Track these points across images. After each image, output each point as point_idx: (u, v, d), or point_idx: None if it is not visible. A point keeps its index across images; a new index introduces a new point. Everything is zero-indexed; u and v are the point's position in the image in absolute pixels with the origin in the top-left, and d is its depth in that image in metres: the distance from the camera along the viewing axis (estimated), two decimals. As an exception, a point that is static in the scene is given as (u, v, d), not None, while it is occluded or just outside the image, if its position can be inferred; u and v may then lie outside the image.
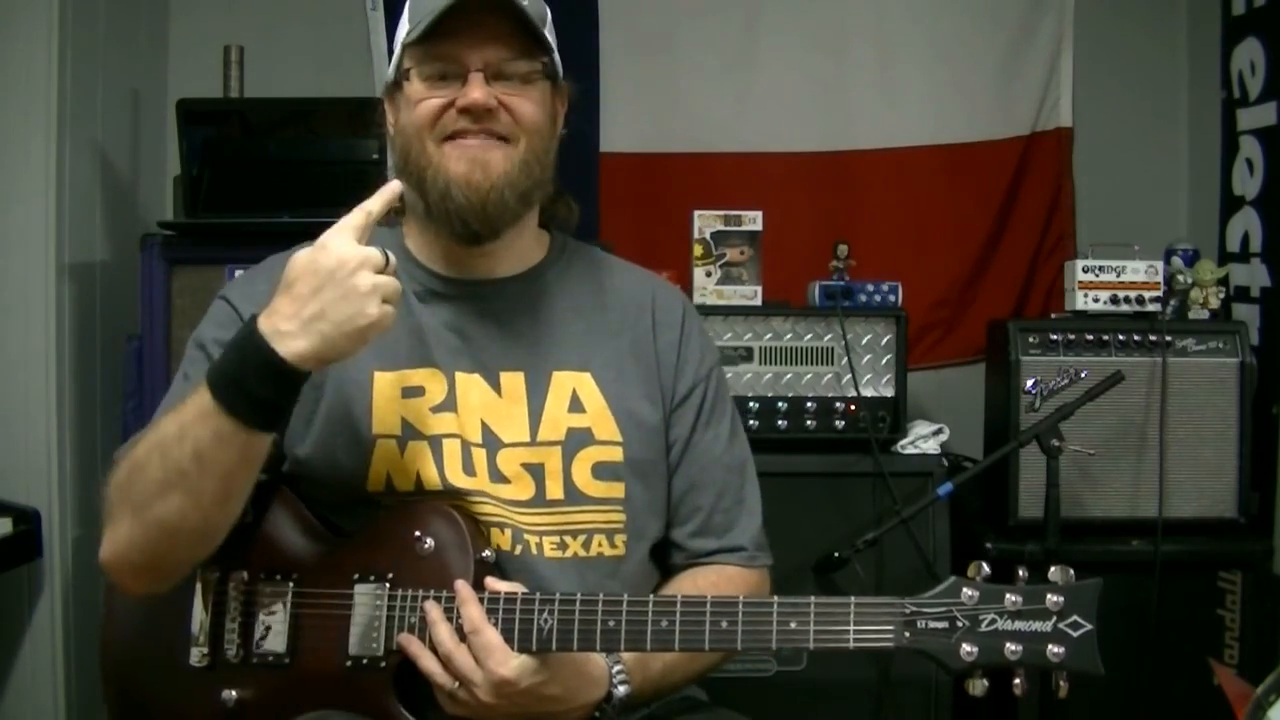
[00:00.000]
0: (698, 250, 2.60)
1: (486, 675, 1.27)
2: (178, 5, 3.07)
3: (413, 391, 1.43)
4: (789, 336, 2.57)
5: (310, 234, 1.32)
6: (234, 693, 1.36)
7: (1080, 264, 2.65)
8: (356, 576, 1.35)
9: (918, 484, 2.50)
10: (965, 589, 1.25)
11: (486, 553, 1.37)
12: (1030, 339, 2.56)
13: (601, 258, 1.62)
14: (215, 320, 1.47)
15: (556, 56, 1.48)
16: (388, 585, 1.34)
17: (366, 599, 1.34)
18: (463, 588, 1.31)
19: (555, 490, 1.43)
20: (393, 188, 1.33)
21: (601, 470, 1.45)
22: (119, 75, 2.76)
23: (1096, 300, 2.63)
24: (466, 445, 1.42)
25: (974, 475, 2.42)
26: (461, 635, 1.29)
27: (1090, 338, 2.56)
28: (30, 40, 2.41)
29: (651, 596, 1.32)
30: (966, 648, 1.23)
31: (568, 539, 1.43)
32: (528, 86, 1.43)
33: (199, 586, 1.39)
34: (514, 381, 1.46)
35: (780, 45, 3.14)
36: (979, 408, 2.79)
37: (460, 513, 1.38)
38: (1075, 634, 1.23)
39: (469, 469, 1.42)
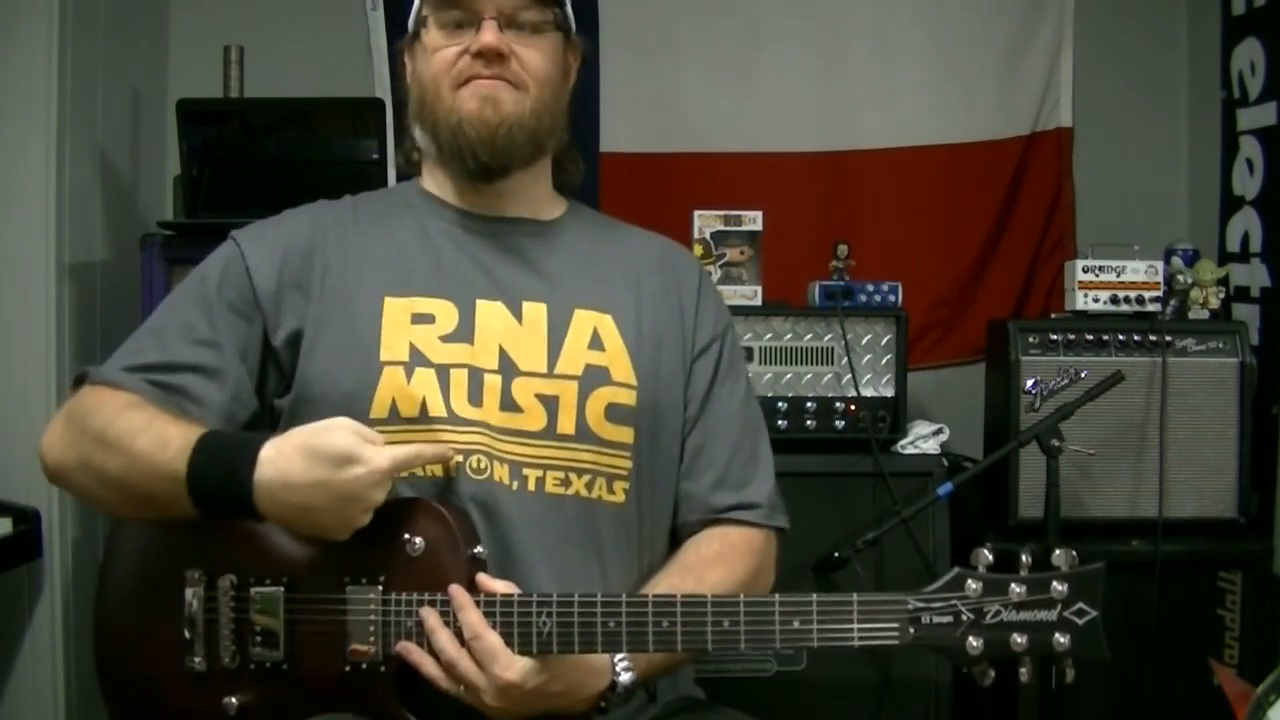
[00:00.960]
0: (698, 250, 2.60)
1: (491, 680, 1.26)
2: (178, 5, 3.07)
3: (422, 318, 1.45)
4: (789, 336, 2.57)
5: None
6: (234, 699, 1.35)
7: (1080, 264, 2.65)
8: (348, 579, 1.33)
9: (918, 484, 2.50)
10: (969, 581, 1.25)
11: (478, 549, 1.36)
12: (1030, 339, 2.56)
13: (615, 221, 1.67)
14: (222, 256, 1.52)
15: (569, 9, 1.53)
16: (380, 589, 1.32)
17: (360, 602, 1.33)
18: (458, 593, 1.30)
19: (567, 425, 1.43)
20: (445, 453, 1.37)
21: (614, 412, 1.45)
22: (119, 75, 2.76)
23: (1096, 300, 2.63)
24: (477, 374, 1.42)
25: (974, 475, 2.42)
26: (461, 640, 1.28)
27: (1090, 338, 2.56)
28: (30, 40, 2.41)
29: (651, 596, 1.30)
30: (973, 641, 1.23)
31: (572, 475, 1.43)
32: (539, 36, 1.48)
33: (189, 593, 1.38)
34: (536, 311, 1.48)
35: (780, 45, 3.14)
36: (979, 408, 2.79)
37: (446, 507, 1.36)
38: (1081, 621, 1.23)
39: (475, 399, 1.42)
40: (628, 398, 1.46)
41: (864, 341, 2.58)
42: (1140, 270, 2.63)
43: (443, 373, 1.42)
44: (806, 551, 2.40)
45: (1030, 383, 2.54)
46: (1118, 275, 2.63)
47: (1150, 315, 2.61)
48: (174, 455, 1.32)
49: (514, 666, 1.27)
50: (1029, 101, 3.17)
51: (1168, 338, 2.55)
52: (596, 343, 1.47)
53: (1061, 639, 1.23)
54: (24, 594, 2.41)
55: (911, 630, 1.25)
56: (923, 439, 2.61)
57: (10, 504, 2.32)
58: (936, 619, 1.24)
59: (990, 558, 1.25)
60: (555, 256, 1.53)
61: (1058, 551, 1.25)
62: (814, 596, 1.26)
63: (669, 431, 1.51)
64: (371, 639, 1.32)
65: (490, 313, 1.46)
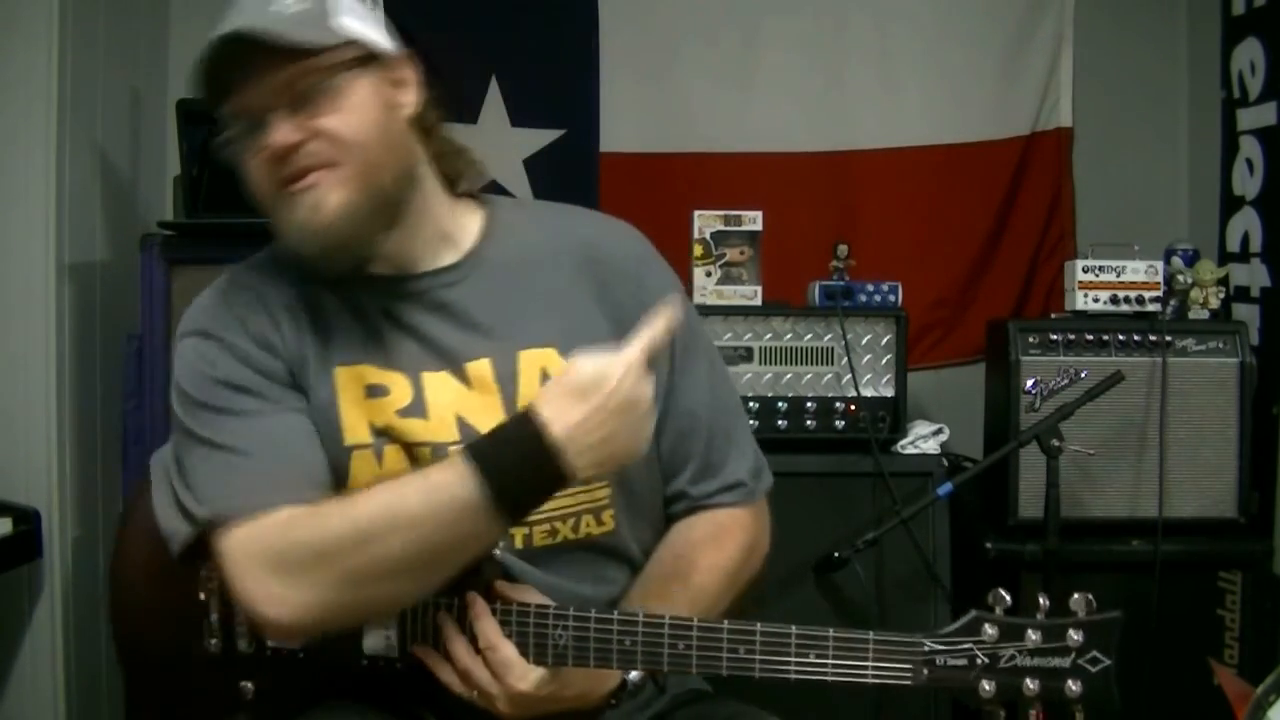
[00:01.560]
0: (698, 250, 2.60)
1: (504, 689, 1.26)
2: (178, 5, 3.07)
3: (376, 390, 1.38)
4: (789, 336, 2.57)
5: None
6: (251, 684, 1.36)
7: (1080, 264, 2.65)
8: None
9: (918, 484, 2.50)
10: (985, 625, 1.24)
11: (497, 552, 1.33)
12: (1030, 339, 2.56)
13: (537, 210, 1.56)
14: (209, 360, 1.38)
15: (363, 36, 1.35)
16: None
17: None
18: (475, 601, 1.28)
19: None
20: (669, 315, 1.28)
21: None
22: (119, 75, 2.76)
23: (1096, 300, 2.63)
24: (441, 448, 1.37)
25: (974, 475, 2.42)
26: (477, 647, 1.27)
27: (1090, 338, 2.56)
28: (30, 40, 2.41)
29: (668, 618, 1.28)
30: (985, 685, 1.23)
31: (557, 524, 1.40)
32: (333, 97, 1.31)
33: (203, 576, 1.38)
34: (481, 369, 1.40)
35: (780, 46, 3.14)
36: (979, 408, 2.79)
37: None
38: (1093, 669, 1.25)
39: None
40: None
41: (864, 341, 2.58)
42: (1140, 270, 2.63)
43: (409, 450, 1.37)
44: (806, 551, 2.41)
45: (1030, 383, 2.54)
46: (1118, 275, 2.63)
47: (1150, 315, 2.61)
48: (454, 484, 1.21)
49: (528, 677, 1.26)
50: (1029, 101, 3.17)
51: (1168, 338, 2.55)
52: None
53: (1074, 686, 1.24)
54: (24, 594, 2.41)
55: (925, 672, 1.25)
56: (923, 439, 2.61)
57: (10, 504, 2.32)
58: (951, 661, 1.23)
59: (1008, 600, 1.24)
60: (486, 300, 1.42)
61: (1075, 596, 1.25)
62: (830, 631, 1.27)
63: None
64: (389, 637, 1.32)
65: (438, 384, 1.39)
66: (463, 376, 1.40)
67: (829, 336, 2.57)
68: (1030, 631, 1.23)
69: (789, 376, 2.57)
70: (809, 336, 2.58)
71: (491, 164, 3.00)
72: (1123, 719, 2.60)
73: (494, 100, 3.08)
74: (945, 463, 2.57)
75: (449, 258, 1.43)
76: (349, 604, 1.25)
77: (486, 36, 3.05)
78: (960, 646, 1.24)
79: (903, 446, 2.60)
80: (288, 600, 1.24)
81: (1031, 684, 1.23)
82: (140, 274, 2.47)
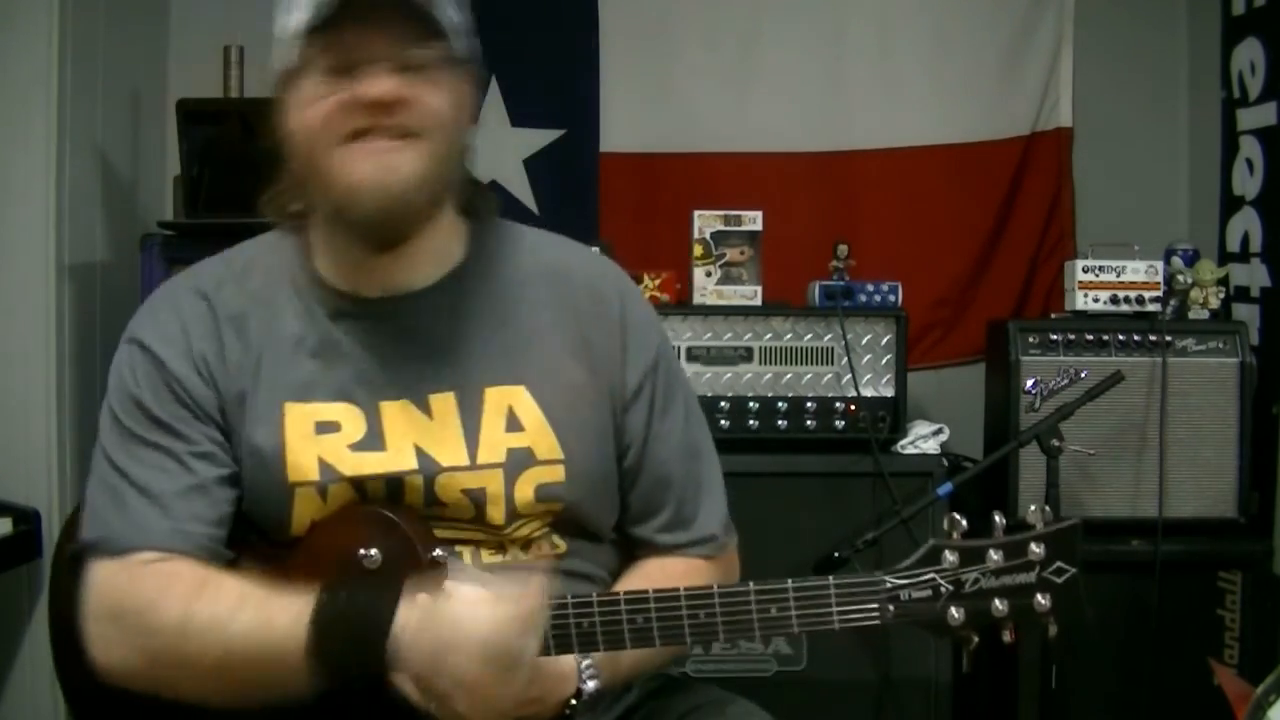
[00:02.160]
0: (698, 250, 2.60)
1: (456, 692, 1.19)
2: (178, 5, 3.07)
3: (327, 427, 1.33)
4: (789, 336, 2.57)
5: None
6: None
7: (1080, 264, 2.65)
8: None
9: (918, 484, 2.50)
10: (945, 552, 1.24)
11: (437, 551, 1.29)
12: (1030, 339, 2.56)
13: (524, 241, 1.48)
14: (138, 378, 1.36)
15: (465, 40, 1.33)
16: None
17: None
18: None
19: (496, 515, 1.35)
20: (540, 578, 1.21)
21: (544, 491, 1.36)
22: (119, 75, 2.76)
23: (1096, 300, 2.63)
24: (395, 479, 1.32)
25: (974, 475, 2.42)
26: None
27: (1090, 338, 2.56)
28: (30, 40, 2.41)
29: (623, 593, 1.26)
30: (953, 612, 1.22)
31: (508, 544, 1.37)
32: (434, 76, 1.28)
33: None
34: (444, 403, 1.35)
35: (780, 45, 3.14)
36: (979, 408, 2.79)
37: (396, 512, 1.29)
38: (1060, 580, 1.23)
39: (395, 498, 1.34)
40: (556, 474, 1.36)
41: (864, 341, 2.58)
42: (1140, 270, 2.63)
43: (358, 485, 1.32)
44: (806, 551, 2.40)
45: (1030, 383, 2.54)
46: (1118, 275, 2.63)
47: (1150, 315, 2.61)
48: (284, 632, 1.20)
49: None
50: (1029, 101, 3.17)
51: (1168, 338, 2.55)
52: (514, 423, 1.35)
53: (1042, 600, 1.22)
54: (24, 594, 2.41)
55: (891, 608, 1.24)
56: (923, 439, 2.61)
57: (10, 504, 2.32)
58: (915, 594, 1.23)
59: (965, 524, 1.25)
60: (457, 329, 1.38)
61: (1031, 508, 1.26)
62: (789, 582, 1.24)
63: (607, 482, 1.43)
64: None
65: (396, 414, 1.34)
66: (424, 407, 1.35)
67: (829, 336, 2.57)
68: (991, 552, 1.24)
69: (789, 376, 2.57)
70: (809, 336, 2.58)
71: (491, 164, 3.01)
72: (1122, 718, 2.62)
73: (494, 100, 3.07)
74: (945, 463, 2.56)
75: (427, 279, 1.39)
76: (154, 680, 1.25)
77: (486, 36, 3.01)
78: (922, 578, 1.23)
79: (903, 446, 2.60)
80: (107, 649, 1.27)
81: (1000, 604, 1.23)
82: (140, 274, 2.47)
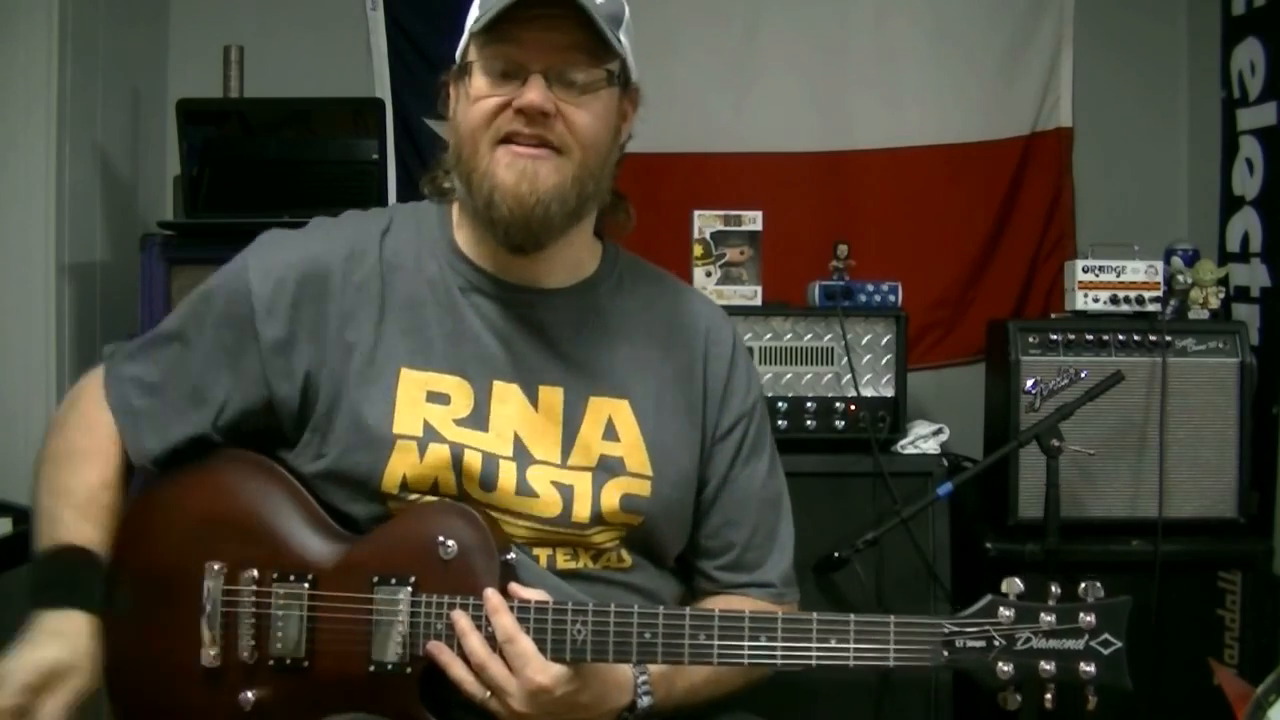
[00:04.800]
0: (698, 250, 2.60)
1: (522, 684, 1.26)
2: (178, 5, 3.08)
3: (437, 398, 1.39)
4: (789, 336, 2.57)
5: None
6: (250, 695, 1.34)
7: (1080, 264, 2.65)
8: (376, 579, 1.32)
9: (918, 484, 2.50)
10: (1001, 608, 1.27)
11: (510, 555, 1.35)
12: (1030, 339, 2.56)
13: (656, 276, 1.58)
14: (227, 290, 1.45)
15: (630, 60, 1.42)
16: (410, 590, 1.31)
17: (388, 603, 1.32)
18: (493, 596, 1.29)
19: (582, 513, 1.40)
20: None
21: (629, 502, 1.42)
22: (119, 75, 2.76)
23: (1096, 300, 2.63)
24: (492, 459, 1.39)
25: (974, 475, 2.42)
26: (493, 644, 1.28)
27: (1090, 338, 2.56)
28: (30, 40, 2.42)
29: (689, 610, 1.30)
30: (1003, 666, 1.26)
31: (581, 551, 1.42)
32: (589, 95, 1.37)
33: (208, 586, 1.36)
34: (552, 397, 1.42)
35: (780, 45, 3.14)
36: (979, 408, 2.79)
37: (480, 512, 1.36)
38: (1106, 652, 1.27)
39: (488, 484, 1.39)
40: (643, 488, 1.43)
41: (864, 341, 2.58)
42: (1140, 270, 2.63)
43: (457, 451, 1.38)
44: (806, 552, 2.39)
45: (1030, 383, 2.54)
46: (1118, 275, 2.63)
47: (1150, 315, 2.61)
48: (39, 534, 1.44)
49: (548, 671, 1.26)
50: (1029, 101, 3.17)
51: (1168, 338, 2.55)
52: (611, 433, 1.43)
53: (1087, 668, 1.26)
54: (24, 594, 2.41)
55: (945, 653, 1.27)
56: (923, 439, 2.61)
57: (10, 504, 2.32)
58: (970, 643, 1.26)
59: (1021, 587, 1.28)
60: (579, 334, 1.45)
61: (1083, 584, 1.28)
62: (851, 617, 1.27)
63: (684, 509, 1.49)
64: (399, 640, 1.31)
65: (506, 395, 1.41)
66: (533, 396, 1.42)
67: (829, 336, 2.57)
68: (1044, 614, 1.27)
69: (789, 376, 2.57)
70: (809, 336, 2.57)
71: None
72: (1123, 719, 2.61)
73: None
74: (945, 463, 2.57)
75: (559, 282, 1.46)
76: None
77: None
78: (978, 628, 1.26)
79: (903, 446, 2.60)
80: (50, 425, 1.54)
81: (1047, 665, 1.26)
82: (140, 274, 2.47)
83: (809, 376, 2.58)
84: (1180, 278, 2.71)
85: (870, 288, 2.60)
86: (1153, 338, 2.55)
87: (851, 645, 1.27)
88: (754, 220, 2.62)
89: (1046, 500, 2.25)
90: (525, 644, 1.27)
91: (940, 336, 3.15)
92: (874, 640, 1.27)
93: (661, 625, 1.28)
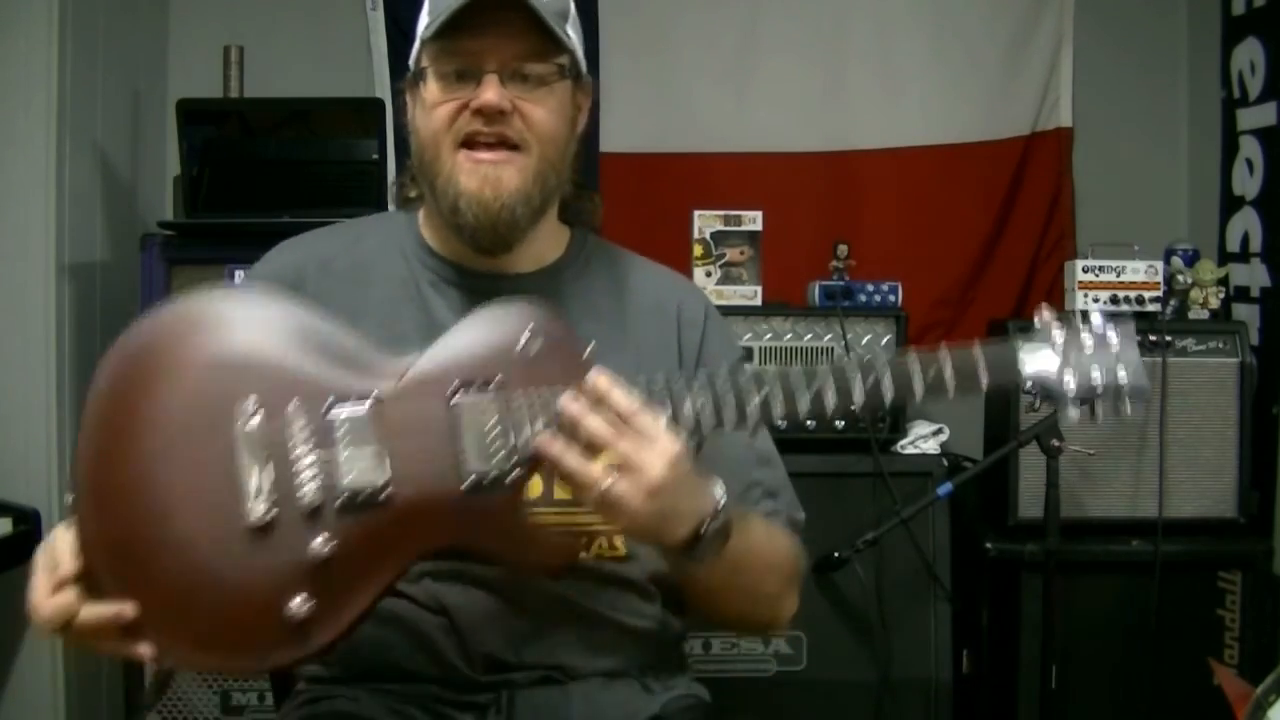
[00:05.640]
0: (698, 250, 2.60)
1: (660, 452, 1.18)
2: (178, 5, 3.07)
3: None
4: (789, 336, 2.57)
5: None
6: (322, 541, 1.15)
7: (1080, 264, 2.65)
8: (455, 385, 1.20)
9: (918, 484, 2.50)
10: (1054, 331, 1.26)
11: (591, 345, 1.25)
12: (1030, 339, 2.56)
13: (623, 256, 1.57)
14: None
15: (579, 53, 1.42)
16: (497, 391, 1.20)
17: (475, 410, 1.19)
18: (600, 376, 1.20)
19: (563, 490, 1.35)
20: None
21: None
22: (119, 75, 2.76)
23: (1096, 300, 2.63)
24: None
25: (974, 475, 2.42)
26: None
27: (1090, 338, 2.56)
28: (30, 40, 2.41)
29: (800, 367, 1.27)
30: (1069, 380, 1.25)
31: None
32: (544, 89, 1.37)
33: (242, 428, 1.16)
34: None
35: (780, 45, 3.14)
36: (979, 408, 2.79)
37: (557, 312, 1.28)
38: (1133, 357, 1.27)
39: None
40: None
41: (864, 341, 2.58)
42: (1140, 270, 2.63)
43: None
44: (806, 551, 2.40)
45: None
46: (1118, 275, 2.63)
47: (1150, 315, 2.61)
48: None
49: (678, 438, 1.20)
50: (1029, 101, 3.17)
51: (1168, 338, 2.55)
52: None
53: (1124, 376, 1.25)
54: (24, 594, 2.41)
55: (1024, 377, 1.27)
56: (923, 439, 2.61)
57: (10, 504, 2.32)
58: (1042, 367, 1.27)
59: (1052, 314, 1.28)
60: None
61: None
62: (944, 349, 1.25)
63: None
64: (495, 447, 1.19)
65: None
66: None
67: (829, 336, 2.57)
68: (1084, 334, 1.27)
69: (789, 376, 2.57)
70: (809, 336, 2.58)
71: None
72: (1122, 718, 2.61)
73: (494, 100, 3.08)
74: (945, 463, 2.57)
75: (527, 268, 1.46)
76: None
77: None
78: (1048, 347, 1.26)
79: (903, 446, 2.60)
80: None
81: (1097, 376, 1.25)
82: (140, 274, 2.47)
83: (809, 376, 2.57)
84: (1180, 278, 2.71)
85: (870, 288, 2.60)
86: (1153, 338, 2.54)
87: (949, 373, 1.24)
88: (754, 220, 2.62)
89: (1046, 500, 2.25)
90: (648, 415, 1.19)
91: (940, 336, 3.14)
92: (966, 371, 1.25)
93: (772, 385, 1.24)
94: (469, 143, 1.35)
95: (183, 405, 1.19)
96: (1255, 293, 2.80)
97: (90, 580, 1.18)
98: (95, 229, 2.65)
